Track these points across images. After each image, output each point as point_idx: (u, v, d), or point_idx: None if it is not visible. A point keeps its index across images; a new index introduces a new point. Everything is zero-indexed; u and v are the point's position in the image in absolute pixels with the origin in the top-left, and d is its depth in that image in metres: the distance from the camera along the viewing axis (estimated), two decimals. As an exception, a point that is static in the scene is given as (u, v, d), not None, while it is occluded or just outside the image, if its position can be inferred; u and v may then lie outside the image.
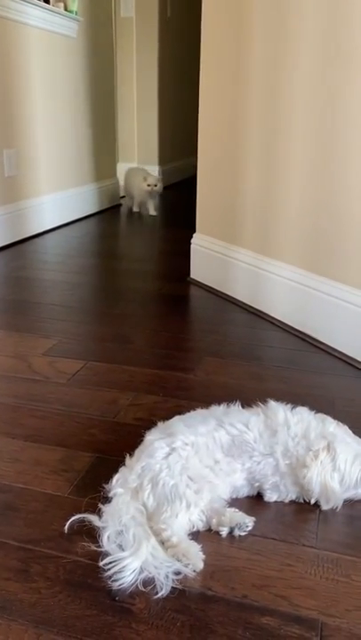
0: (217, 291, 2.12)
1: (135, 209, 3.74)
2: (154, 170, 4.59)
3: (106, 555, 0.84)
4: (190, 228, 2.28)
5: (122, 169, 4.09)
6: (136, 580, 0.81)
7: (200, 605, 0.79)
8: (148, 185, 3.51)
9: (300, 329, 1.73)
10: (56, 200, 3.19)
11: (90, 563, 0.85)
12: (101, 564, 0.83)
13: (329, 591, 0.82)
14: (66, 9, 3.06)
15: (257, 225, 1.90)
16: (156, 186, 3.52)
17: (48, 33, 2.94)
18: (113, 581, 0.81)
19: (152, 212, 3.65)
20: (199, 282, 2.22)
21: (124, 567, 0.81)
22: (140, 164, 4.93)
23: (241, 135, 1.90)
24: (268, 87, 1.73)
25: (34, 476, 1.05)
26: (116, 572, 0.81)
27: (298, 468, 0.97)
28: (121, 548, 0.85)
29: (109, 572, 0.82)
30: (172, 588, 0.81)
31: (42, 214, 3.06)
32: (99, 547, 0.86)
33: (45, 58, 2.96)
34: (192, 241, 2.25)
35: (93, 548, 0.86)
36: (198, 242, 2.22)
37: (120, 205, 4.00)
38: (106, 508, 0.91)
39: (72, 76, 3.26)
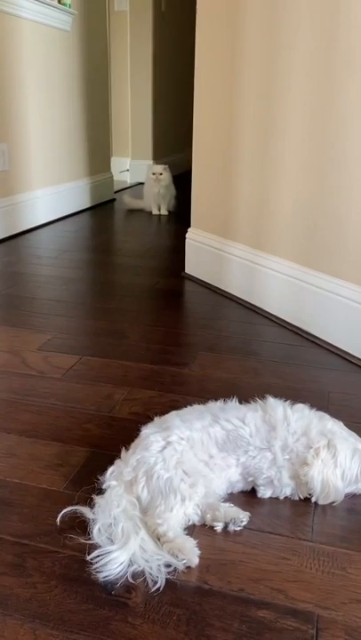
0: (212, 286, 2.11)
1: (133, 206, 3.66)
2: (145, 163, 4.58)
3: (95, 547, 0.84)
4: (185, 222, 2.27)
5: (116, 163, 4.07)
6: (125, 573, 0.81)
7: (196, 599, 0.79)
8: (153, 174, 3.41)
9: (295, 323, 1.73)
10: (49, 195, 3.18)
11: (86, 557, 0.85)
12: (89, 557, 0.83)
13: (325, 584, 0.82)
14: (60, 2, 3.04)
15: (252, 220, 1.90)
16: (161, 174, 3.39)
17: (42, 26, 2.92)
18: (98, 573, 0.81)
19: (163, 210, 3.51)
20: (194, 277, 2.22)
21: (110, 560, 0.82)
22: (133, 159, 4.92)
23: (236, 130, 1.89)
24: (264, 82, 1.73)
25: (29, 471, 1.05)
26: (102, 565, 0.81)
27: (298, 465, 0.97)
28: (111, 540, 0.85)
29: (96, 565, 0.82)
30: (169, 581, 0.81)
31: (35, 209, 3.04)
32: (88, 539, 0.86)
33: (39, 51, 2.94)
34: (187, 236, 2.25)
35: (82, 540, 0.86)
36: (193, 237, 2.22)
37: (114, 200, 3.99)
38: (98, 500, 0.91)
39: (66, 70, 3.24)
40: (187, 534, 0.88)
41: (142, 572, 0.82)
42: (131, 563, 0.82)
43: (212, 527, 0.91)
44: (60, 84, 3.20)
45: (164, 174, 3.41)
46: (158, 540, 0.86)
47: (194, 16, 1.98)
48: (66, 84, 3.26)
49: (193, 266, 2.23)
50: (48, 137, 3.13)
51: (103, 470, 0.97)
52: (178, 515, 0.89)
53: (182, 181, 3.36)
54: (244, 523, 0.92)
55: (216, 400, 1.09)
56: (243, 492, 1.01)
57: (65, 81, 3.25)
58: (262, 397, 1.08)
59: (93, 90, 3.58)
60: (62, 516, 0.92)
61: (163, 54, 4.78)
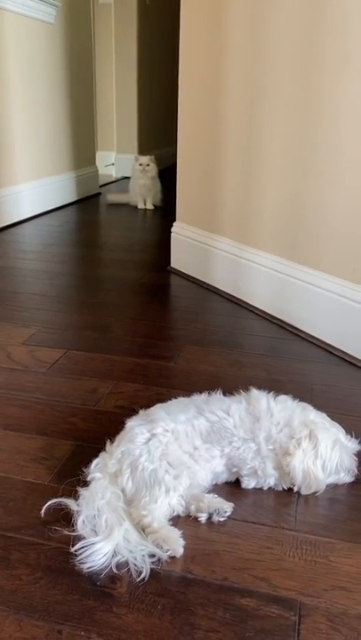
0: (197, 279, 2.12)
1: (117, 200, 3.62)
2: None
3: (80, 539, 0.85)
4: (170, 217, 2.27)
5: (101, 157, 4.04)
6: (109, 564, 0.82)
7: (181, 588, 0.80)
8: (140, 164, 3.37)
9: (280, 317, 1.74)
10: (34, 188, 3.16)
11: (70, 549, 0.85)
12: (74, 548, 0.84)
13: (307, 572, 0.83)
14: (43, -7, 3.01)
15: (237, 214, 1.90)
16: (148, 165, 3.36)
17: (26, 18, 2.89)
18: (83, 564, 0.81)
19: (149, 204, 3.47)
20: (180, 271, 2.22)
21: (95, 551, 0.82)
22: (118, 153, 4.89)
23: (221, 124, 1.89)
24: (248, 76, 1.73)
25: (14, 465, 1.05)
26: (87, 556, 0.82)
27: (280, 455, 0.98)
28: (95, 532, 0.85)
29: (81, 556, 0.82)
30: (153, 571, 0.81)
31: (19, 203, 3.02)
32: (73, 531, 0.86)
33: (23, 43, 2.91)
34: (172, 230, 2.25)
35: (67, 532, 0.87)
36: (178, 230, 2.22)
37: (100, 194, 3.97)
38: (83, 493, 0.91)
39: (50, 63, 3.21)
40: (171, 525, 0.89)
41: (127, 563, 0.82)
42: (115, 553, 0.83)
43: (196, 518, 0.92)
44: (44, 76, 3.17)
45: (150, 165, 3.38)
46: (143, 530, 0.87)
47: (178, 9, 1.97)
48: (50, 77, 3.23)
49: (178, 260, 2.23)
50: (32, 130, 3.11)
51: (88, 463, 0.98)
52: (162, 506, 0.90)
53: (168, 175, 3.35)
54: (228, 513, 0.93)
55: (201, 393, 1.09)
56: (227, 483, 1.02)
57: (49, 74, 3.22)
58: (246, 389, 1.09)
59: (78, 83, 3.55)
60: (47, 509, 0.92)
61: (147, 47, 4.75)
